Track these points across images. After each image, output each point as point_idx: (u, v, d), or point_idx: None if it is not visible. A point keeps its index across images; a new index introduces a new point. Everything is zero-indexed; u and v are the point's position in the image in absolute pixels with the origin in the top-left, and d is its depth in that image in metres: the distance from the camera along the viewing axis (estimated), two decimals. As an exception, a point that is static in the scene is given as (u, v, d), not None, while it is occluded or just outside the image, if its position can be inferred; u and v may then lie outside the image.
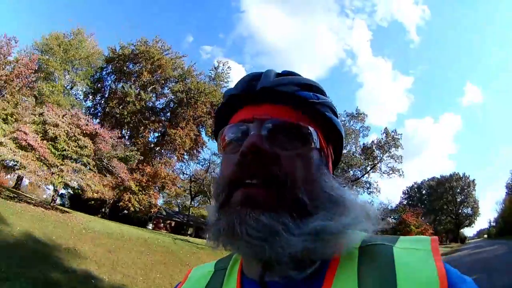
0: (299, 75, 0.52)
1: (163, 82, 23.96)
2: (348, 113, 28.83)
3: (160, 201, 22.56)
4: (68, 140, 12.55)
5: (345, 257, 0.43)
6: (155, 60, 22.46)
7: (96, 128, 13.40)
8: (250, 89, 0.49)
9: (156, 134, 24.54)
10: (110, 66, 24.26)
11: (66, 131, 12.59)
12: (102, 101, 24.60)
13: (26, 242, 7.81)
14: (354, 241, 0.44)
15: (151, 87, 23.64)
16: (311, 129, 0.47)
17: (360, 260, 0.43)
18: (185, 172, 26.45)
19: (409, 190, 54.34)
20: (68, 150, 12.41)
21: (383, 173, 28.78)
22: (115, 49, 23.60)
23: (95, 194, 12.55)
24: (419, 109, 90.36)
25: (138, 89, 22.99)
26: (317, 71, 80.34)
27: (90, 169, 12.98)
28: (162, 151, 23.94)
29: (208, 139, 23.94)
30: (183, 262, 10.99)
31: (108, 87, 24.79)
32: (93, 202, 17.92)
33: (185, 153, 23.76)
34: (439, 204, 49.35)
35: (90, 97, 25.15)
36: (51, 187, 14.54)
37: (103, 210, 20.80)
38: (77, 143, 12.60)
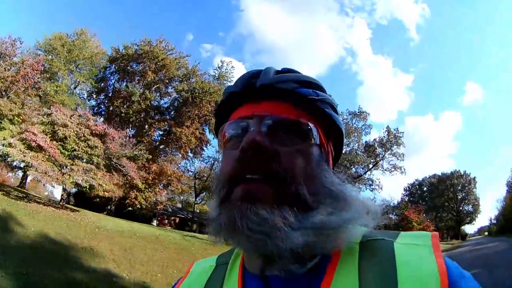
0: (299, 73, 0.52)
1: (167, 81, 24.05)
2: (351, 111, 29.04)
3: (163, 198, 22.73)
4: (78, 140, 12.66)
5: (346, 252, 0.44)
6: (159, 60, 22.52)
7: (105, 128, 13.51)
8: (249, 87, 0.50)
9: (160, 133, 24.71)
10: (114, 65, 24.29)
11: (75, 132, 12.70)
12: (106, 100, 24.68)
13: (43, 243, 7.98)
14: (355, 236, 0.44)
15: (155, 86, 23.71)
16: (311, 125, 0.47)
17: (361, 255, 0.43)
18: (189, 169, 26.73)
19: (410, 187, 54.54)
20: (78, 150, 12.53)
21: (385, 170, 29.10)
22: (119, 49, 23.63)
23: (106, 193, 12.71)
24: (420, 107, 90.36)
25: (143, 89, 23.05)
26: (317, 69, 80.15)
27: (100, 168, 13.12)
28: (167, 149, 24.10)
29: (213, 137, 24.13)
30: (197, 259, 11.16)
31: (112, 86, 24.86)
32: (98, 199, 18.15)
33: (190, 151, 23.95)
34: (440, 201, 49.60)
35: (94, 96, 25.25)
36: (53, 185, 14.70)
37: (109, 207, 21.00)
38: (87, 143, 12.71)
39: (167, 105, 25.07)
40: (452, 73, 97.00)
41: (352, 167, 28.30)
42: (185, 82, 23.49)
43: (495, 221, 48.18)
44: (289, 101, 0.48)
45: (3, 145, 12.32)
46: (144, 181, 18.18)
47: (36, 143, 12.12)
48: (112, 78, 24.93)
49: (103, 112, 24.39)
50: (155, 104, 24.25)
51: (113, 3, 58.92)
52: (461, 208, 50.04)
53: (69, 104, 20.71)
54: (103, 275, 6.79)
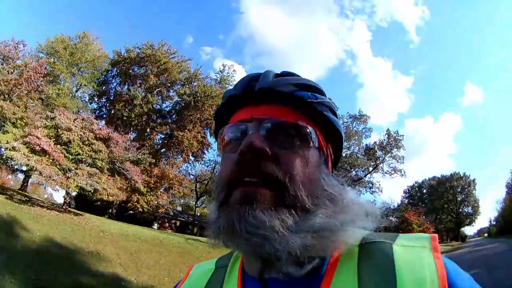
0: (299, 76, 0.52)
1: (169, 85, 24.16)
2: (351, 115, 29.18)
3: (164, 201, 22.75)
4: (82, 144, 12.68)
5: (345, 254, 0.44)
6: (162, 64, 22.63)
7: (109, 132, 13.55)
8: (249, 90, 0.50)
9: (162, 136, 24.75)
10: (115, 68, 24.39)
11: (79, 136, 12.73)
12: (107, 104, 24.73)
13: (49, 248, 8.00)
14: (354, 238, 0.44)
15: (157, 90, 23.80)
16: (309, 128, 0.47)
17: (360, 258, 0.43)
18: (190, 172, 26.74)
19: (410, 189, 54.72)
20: (82, 154, 12.55)
21: (385, 173, 29.22)
22: (121, 52, 23.74)
23: (110, 197, 12.71)
24: (420, 108, 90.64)
25: (145, 92, 23.13)
26: (317, 72, 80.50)
27: (104, 172, 13.13)
28: (168, 153, 24.14)
29: (214, 141, 24.11)
30: (202, 262, 11.27)
31: (113, 90, 24.94)
32: (99, 202, 18.13)
33: (191, 154, 23.99)
34: (440, 203, 49.69)
35: (96, 99, 25.29)
36: (57, 188, 14.69)
37: (110, 211, 20.98)
38: (91, 147, 12.74)
39: (168, 108, 25.22)
40: (452, 74, 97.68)
41: (352, 170, 28.41)
42: (187, 86, 23.59)
43: (494, 223, 48.37)
44: (288, 104, 0.48)
45: (6, 148, 12.33)
46: (146, 185, 18.22)
47: (40, 147, 12.10)
48: (113, 81, 25.07)
49: (104, 115, 24.44)
50: (157, 108, 24.35)
51: (113, 3, 59.19)
52: (460, 210, 50.15)
53: (71, 107, 20.73)
54: (111, 279, 6.82)
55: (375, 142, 29.59)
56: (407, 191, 54.57)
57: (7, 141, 12.62)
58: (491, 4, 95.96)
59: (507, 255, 15.35)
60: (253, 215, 0.40)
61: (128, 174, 14.09)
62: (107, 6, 59.76)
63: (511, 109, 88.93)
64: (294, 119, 0.47)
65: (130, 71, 23.80)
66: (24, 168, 13.84)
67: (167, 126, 23.64)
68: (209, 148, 24.69)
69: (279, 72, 0.52)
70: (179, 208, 37.15)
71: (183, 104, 23.64)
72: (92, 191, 12.37)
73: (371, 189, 29.18)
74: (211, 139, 23.99)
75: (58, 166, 12.22)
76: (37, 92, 17.43)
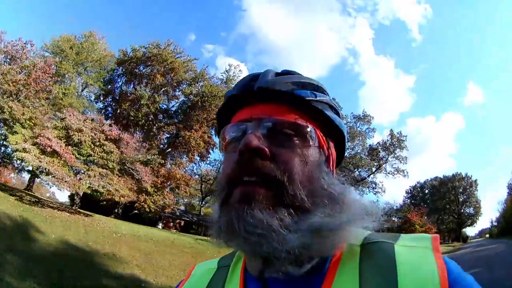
0: (299, 74, 0.52)
1: (175, 84, 24.18)
2: (355, 115, 29.32)
3: (171, 201, 22.85)
4: (93, 145, 12.73)
5: (347, 254, 0.44)
6: (168, 63, 22.64)
7: (119, 134, 13.60)
8: (248, 90, 0.50)
9: (168, 136, 24.80)
10: (121, 68, 24.40)
11: (91, 137, 12.77)
12: (113, 103, 24.76)
13: (66, 250, 8.05)
14: (355, 238, 0.44)
15: (163, 89, 23.83)
16: (309, 127, 0.47)
17: (362, 258, 0.43)
18: (195, 172, 26.86)
19: (412, 189, 54.77)
20: (93, 156, 12.60)
21: (388, 173, 29.36)
22: (127, 51, 23.75)
23: (122, 198, 12.80)
24: (421, 108, 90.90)
25: (152, 92, 23.15)
26: (318, 70, 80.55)
27: (115, 173, 13.20)
28: (174, 152, 24.21)
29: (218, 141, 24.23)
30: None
31: (119, 89, 24.96)
32: (105, 202, 18.26)
33: (197, 154, 24.07)
34: (442, 203, 49.77)
35: (101, 98, 25.31)
36: (60, 188, 14.70)
37: (116, 210, 21.09)
38: (103, 148, 12.79)
39: (175, 108, 25.25)
40: (453, 73, 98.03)
41: (356, 170, 28.54)
42: (193, 86, 23.62)
43: (496, 223, 48.57)
44: (287, 103, 0.48)
45: (16, 150, 12.33)
46: (153, 185, 18.32)
47: (51, 148, 12.13)
48: (119, 80, 25.07)
49: (110, 115, 24.47)
50: (163, 108, 24.40)
51: (113, 3, 59.00)
52: (462, 211, 50.24)
53: (77, 106, 20.77)
54: (131, 281, 6.91)
55: (378, 143, 29.75)
56: (409, 191, 54.75)
57: (16, 142, 12.62)
58: (491, 4, 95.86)
59: (508, 256, 15.46)
60: (251, 214, 0.40)
61: (137, 174, 14.15)
62: (107, 6, 59.71)
63: (511, 109, 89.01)
64: (293, 118, 0.47)
65: (136, 70, 23.82)
66: (30, 168, 13.82)
67: (174, 126, 23.69)
68: (215, 148, 24.80)
69: (279, 71, 0.53)
70: (182, 208, 37.35)
71: (189, 104, 23.68)
72: (105, 192, 12.43)
73: (374, 190, 29.39)
74: (216, 139, 24.02)
75: (70, 168, 12.28)
76: (45, 92, 17.43)
